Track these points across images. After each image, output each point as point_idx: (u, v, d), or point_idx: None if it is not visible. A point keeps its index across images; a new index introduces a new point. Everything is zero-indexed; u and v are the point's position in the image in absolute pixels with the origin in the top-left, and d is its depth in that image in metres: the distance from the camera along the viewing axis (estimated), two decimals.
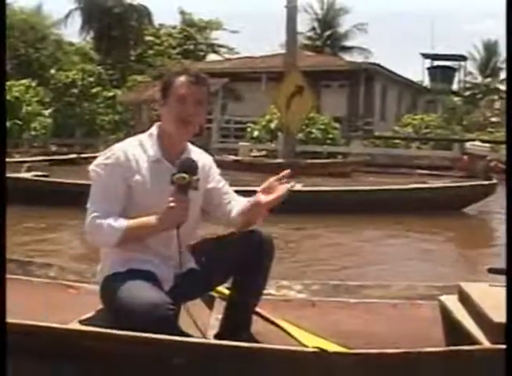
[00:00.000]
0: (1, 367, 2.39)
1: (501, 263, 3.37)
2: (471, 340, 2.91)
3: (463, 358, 2.56)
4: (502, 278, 3.17)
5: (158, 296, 2.82)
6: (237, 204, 3.34)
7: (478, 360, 2.56)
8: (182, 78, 3.12)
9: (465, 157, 18.30)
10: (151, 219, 3.00)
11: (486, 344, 2.77)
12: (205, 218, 3.39)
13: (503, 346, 2.46)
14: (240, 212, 3.27)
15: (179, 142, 3.21)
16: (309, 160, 21.62)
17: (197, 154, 3.29)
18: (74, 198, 8.89)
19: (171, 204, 2.93)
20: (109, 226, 2.98)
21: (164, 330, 2.61)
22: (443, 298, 3.47)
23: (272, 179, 3.18)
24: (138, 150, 3.14)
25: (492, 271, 3.47)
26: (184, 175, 2.92)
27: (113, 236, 2.98)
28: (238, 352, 2.56)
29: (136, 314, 2.72)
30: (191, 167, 2.98)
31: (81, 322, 3.05)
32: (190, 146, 3.29)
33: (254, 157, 24.94)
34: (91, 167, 3.12)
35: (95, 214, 3.01)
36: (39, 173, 12.53)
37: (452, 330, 3.25)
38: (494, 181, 11.36)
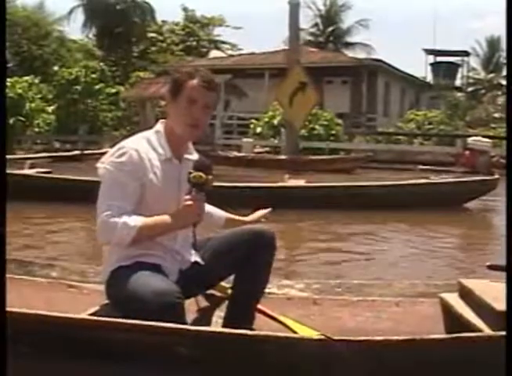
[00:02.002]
0: (2, 365, 2.40)
1: (502, 259, 3.39)
2: (474, 331, 2.93)
3: (466, 345, 2.58)
4: (503, 274, 3.19)
5: (166, 284, 2.85)
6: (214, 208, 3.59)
7: (481, 347, 2.58)
8: (195, 81, 3.11)
9: (467, 152, 18.29)
10: (167, 218, 3.01)
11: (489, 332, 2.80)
12: None
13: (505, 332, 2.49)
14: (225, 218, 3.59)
15: (185, 142, 3.24)
16: (312, 157, 21.63)
17: (195, 155, 3.32)
18: (78, 194, 9.01)
19: (189, 203, 2.96)
20: (124, 225, 2.96)
21: (171, 317, 2.64)
22: (444, 295, 3.49)
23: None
24: (148, 148, 3.12)
25: (491, 267, 3.49)
26: (201, 174, 2.95)
27: (128, 235, 2.97)
28: (244, 339, 2.57)
29: (144, 301, 2.73)
30: (207, 166, 3.02)
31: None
32: (191, 146, 3.32)
33: (257, 153, 24.91)
34: (101, 165, 3.10)
35: (108, 212, 2.98)
36: (42, 170, 12.55)
37: (454, 325, 3.27)
38: (496, 176, 11.36)
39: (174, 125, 3.16)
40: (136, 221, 2.98)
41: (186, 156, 3.23)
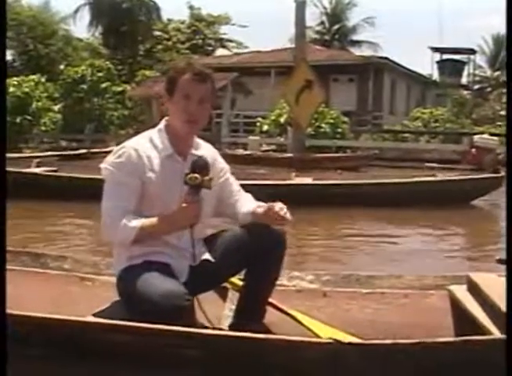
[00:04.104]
0: (2, 362, 2.42)
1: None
2: (481, 329, 2.96)
3: (476, 348, 2.60)
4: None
5: (175, 286, 2.88)
6: (246, 202, 3.41)
7: (491, 350, 2.59)
8: (187, 76, 3.14)
9: (473, 150, 18.31)
10: (165, 219, 3.06)
11: (496, 333, 2.82)
12: (214, 214, 3.44)
13: None
14: (251, 213, 3.32)
15: (187, 138, 3.25)
16: (318, 155, 21.61)
17: (205, 149, 3.34)
18: (84, 193, 9.02)
19: (184, 205, 3.00)
20: (125, 225, 3.03)
21: (180, 319, 2.67)
22: (452, 287, 3.52)
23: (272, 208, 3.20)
24: (148, 146, 3.17)
25: (500, 262, 3.52)
26: (196, 175, 2.97)
27: (129, 235, 3.04)
28: (253, 342, 2.60)
29: (153, 303, 2.77)
30: (203, 167, 3.03)
31: (95, 315, 3.08)
32: (198, 140, 3.34)
33: (264, 151, 24.91)
34: (103, 165, 3.16)
35: (111, 213, 3.07)
36: (49, 168, 12.57)
37: (462, 319, 3.30)
38: (502, 174, 11.37)
39: (174, 122, 3.20)
40: (136, 222, 3.04)
41: (193, 151, 3.24)
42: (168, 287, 2.84)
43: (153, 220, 3.07)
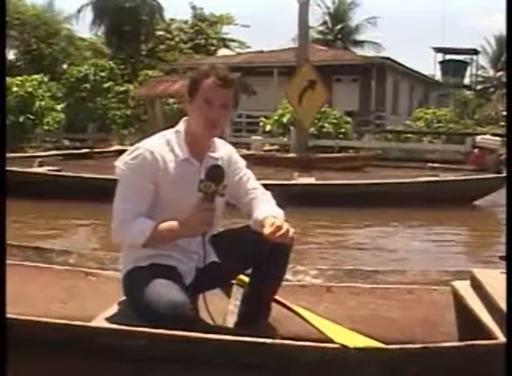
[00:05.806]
0: (2, 362, 2.43)
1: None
2: (482, 326, 2.96)
3: (481, 351, 2.60)
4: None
5: (179, 295, 2.85)
6: (259, 206, 3.27)
7: (495, 354, 2.58)
8: (210, 80, 3.09)
9: (475, 150, 18.30)
10: (177, 224, 3.01)
11: (496, 330, 2.83)
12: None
13: None
14: (259, 224, 3.14)
15: (204, 141, 3.21)
16: (321, 155, 21.62)
17: (221, 148, 3.31)
18: (87, 193, 9.03)
19: (198, 212, 2.95)
20: (137, 228, 3.00)
21: (182, 326, 2.65)
22: (455, 283, 3.53)
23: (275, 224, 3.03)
24: (165, 148, 3.12)
25: (503, 258, 3.53)
26: (211, 183, 2.93)
27: (141, 238, 3.00)
28: (257, 347, 2.60)
29: (156, 311, 2.77)
30: (218, 175, 2.97)
31: (106, 319, 3.07)
32: (215, 140, 3.29)
33: (267, 151, 24.92)
34: (118, 163, 3.11)
35: (123, 214, 3.03)
36: (51, 168, 12.56)
37: (464, 315, 3.31)
38: (504, 174, 11.38)
39: (193, 124, 3.16)
40: (148, 225, 3.01)
41: (209, 154, 3.21)
42: (172, 297, 2.82)
43: (165, 225, 3.02)
